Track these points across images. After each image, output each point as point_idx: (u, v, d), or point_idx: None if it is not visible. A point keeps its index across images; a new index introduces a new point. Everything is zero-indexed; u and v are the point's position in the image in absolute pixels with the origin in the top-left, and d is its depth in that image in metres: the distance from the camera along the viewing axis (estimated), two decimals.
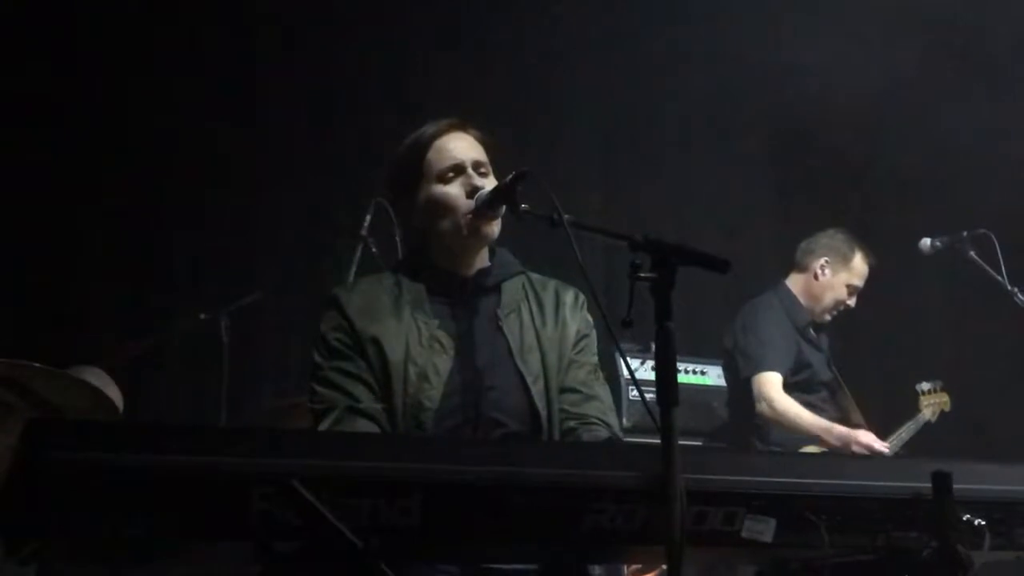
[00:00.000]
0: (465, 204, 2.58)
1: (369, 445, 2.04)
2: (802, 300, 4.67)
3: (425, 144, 2.64)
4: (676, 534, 1.94)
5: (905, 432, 4.79)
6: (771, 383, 4.41)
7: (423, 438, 2.40)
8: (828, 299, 4.63)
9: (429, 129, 2.67)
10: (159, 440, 1.84)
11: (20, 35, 4.83)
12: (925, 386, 4.92)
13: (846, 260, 4.62)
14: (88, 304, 5.07)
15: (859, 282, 4.65)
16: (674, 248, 2.09)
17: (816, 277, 4.63)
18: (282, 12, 5.27)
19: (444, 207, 2.60)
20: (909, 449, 4.76)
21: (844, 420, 4.69)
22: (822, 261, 4.64)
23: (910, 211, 5.18)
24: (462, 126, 2.69)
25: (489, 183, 2.61)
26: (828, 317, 4.68)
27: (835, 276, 4.62)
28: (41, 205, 4.88)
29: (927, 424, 4.87)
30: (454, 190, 2.60)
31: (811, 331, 4.66)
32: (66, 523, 1.73)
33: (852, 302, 4.67)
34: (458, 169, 2.61)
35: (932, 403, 4.90)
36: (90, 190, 5.09)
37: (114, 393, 3.97)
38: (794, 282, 4.70)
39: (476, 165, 2.63)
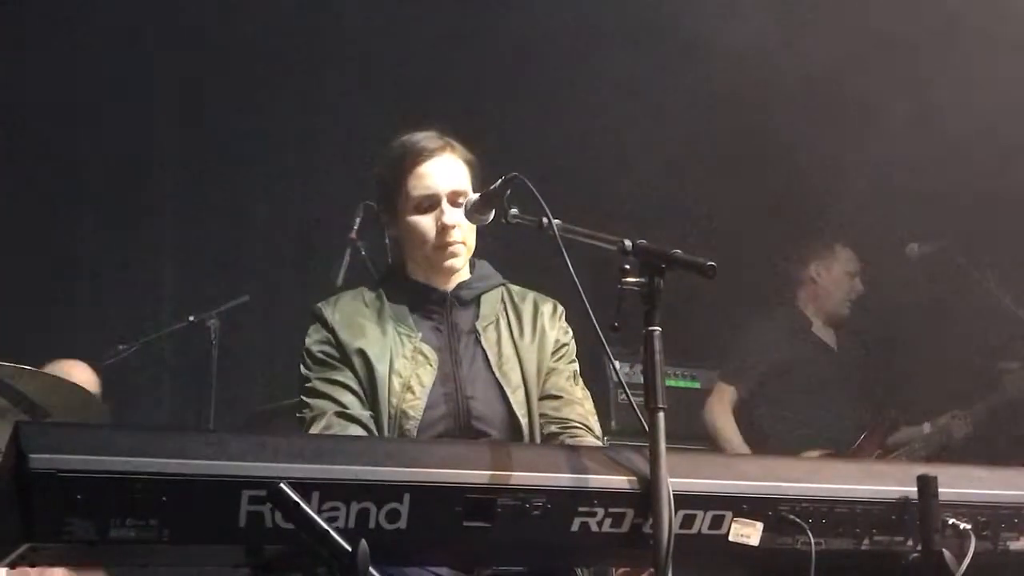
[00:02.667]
0: (432, 240, 2.62)
1: (358, 449, 2.05)
2: (813, 308, 4.85)
3: (407, 167, 2.64)
4: (664, 537, 1.95)
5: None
6: (718, 393, 4.73)
7: (412, 442, 2.41)
8: (838, 294, 4.82)
9: (414, 147, 2.65)
10: (147, 443, 1.84)
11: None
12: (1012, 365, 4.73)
13: (831, 254, 4.84)
14: (76, 307, 5.06)
15: (853, 266, 4.84)
16: (661, 254, 2.10)
17: (815, 282, 4.84)
18: (273, 14, 5.26)
19: (416, 236, 2.64)
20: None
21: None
22: (812, 266, 4.84)
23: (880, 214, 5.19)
24: (446, 147, 2.67)
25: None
26: (846, 309, 4.83)
27: (830, 272, 4.83)
28: (27, 206, 4.88)
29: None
30: (425, 223, 2.62)
31: (818, 335, 4.81)
32: (54, 527, 1.73)
33: (859, 284, 4.84)
34: (433, 201, 2.62)
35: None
36: (78, 192, 5.08)
37: (89, 377, 3.96)
38: (801, 299, 4.88)
39: (453, 196, 2.63)
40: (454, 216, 2.60)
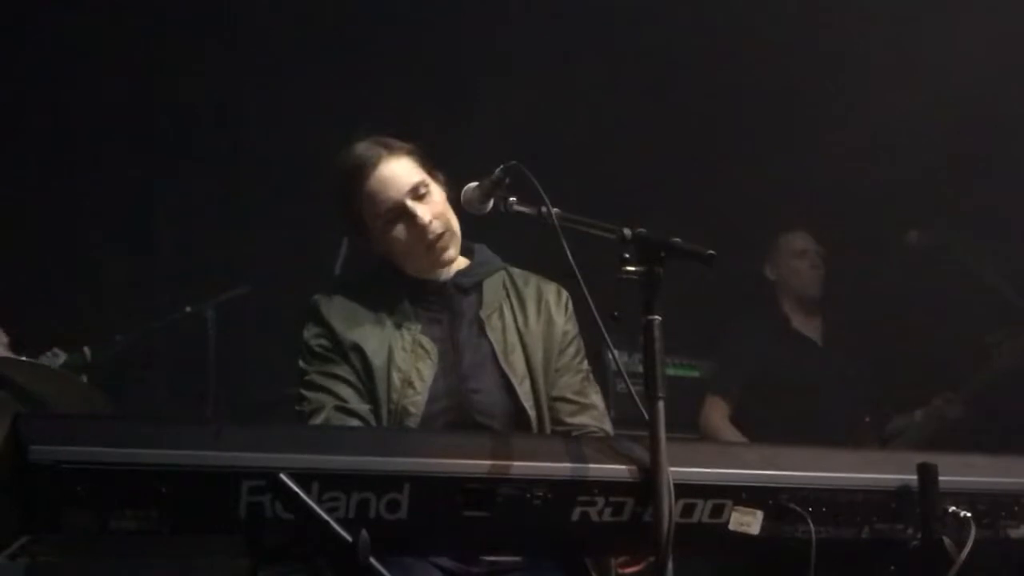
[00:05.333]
0: (418, 244, 2.56)
1: (358, 439, 2.05)
2: (787, 304, 4.90)
3: (357, 189, 2.56)
4: (664, 526, 1.95)
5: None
6: (711, 407, 4.75)
7: (411, 432, 2.40)
8: (795, 281, 4.87)
9: (353, 165, 2.57)
10: (147, 434, 1.84)
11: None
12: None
13: (774, 250, 4.94)
14: (72, 298, 5.04)
15: (799, 245, 4.89)
16: (661, 242, 2.09)
17: (776, 277, 4.94)
18: (269, 10, 5.25)
19: (400, 248, 2.58)
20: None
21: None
22: (767, 269, 4.97)
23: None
24: (382, 151, 2.58)
25: (433, 198, 2.57)
26: (814, 291, 4.86)
27: (779, 266, 4.92)
28: (25, 197, 4.86)
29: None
30: (401, 232, 2.56)
31: (800, 331, 4.82)
32: (54, 518, 1.73)
33: (812, 261, 4.87)
34: (398, 209, 2.56)
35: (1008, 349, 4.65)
36: (76, 182, 5.06)
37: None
38: (779, 297, 4.94)
39: (413, 192, 2.56)
40: (425, 212, 2.54)
